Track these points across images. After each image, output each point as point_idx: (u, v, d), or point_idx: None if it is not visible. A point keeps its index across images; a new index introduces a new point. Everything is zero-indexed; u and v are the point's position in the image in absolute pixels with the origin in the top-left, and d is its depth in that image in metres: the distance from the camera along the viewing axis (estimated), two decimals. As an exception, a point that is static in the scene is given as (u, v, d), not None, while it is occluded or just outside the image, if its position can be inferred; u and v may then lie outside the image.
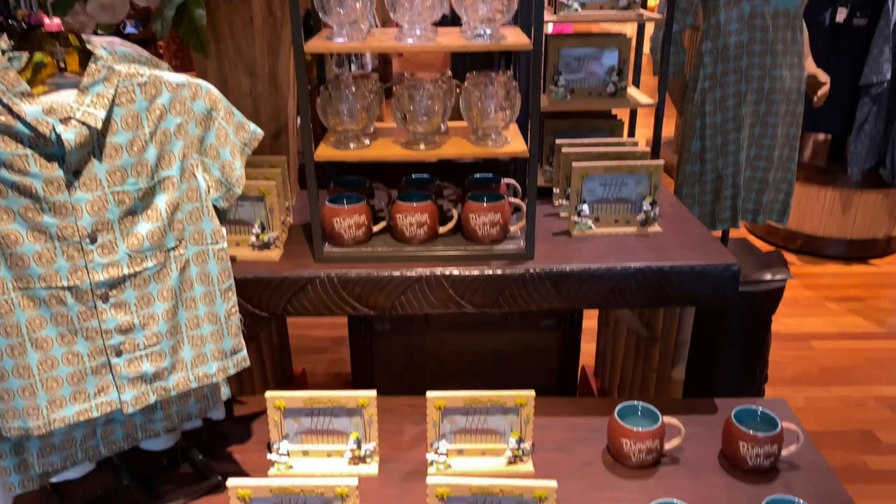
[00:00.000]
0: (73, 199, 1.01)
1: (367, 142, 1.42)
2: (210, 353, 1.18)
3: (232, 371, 1.21)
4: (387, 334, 1.99)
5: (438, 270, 1.39)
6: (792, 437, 1.34)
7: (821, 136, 3.58)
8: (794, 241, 3.64)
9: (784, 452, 1.33)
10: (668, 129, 4.46)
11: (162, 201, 1.09)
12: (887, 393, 2.57)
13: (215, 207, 1.16)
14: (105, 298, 1.06)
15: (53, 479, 1.19)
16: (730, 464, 1.35)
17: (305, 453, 1.34)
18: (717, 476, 1.33)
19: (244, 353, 1.22)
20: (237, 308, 1.20)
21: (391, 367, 2.03)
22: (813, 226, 3.57)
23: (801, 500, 1.14)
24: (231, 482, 1.10)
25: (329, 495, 1.10)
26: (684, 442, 1.36)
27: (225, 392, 1.27)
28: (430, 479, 1.10)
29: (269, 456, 1.31)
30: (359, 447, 1.31)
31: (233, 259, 1.36)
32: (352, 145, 1.40)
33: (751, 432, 1.30)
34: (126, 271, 1.07)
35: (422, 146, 1.40)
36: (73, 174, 1.01)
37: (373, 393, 1.30)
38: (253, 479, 1.11)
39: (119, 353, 1.09)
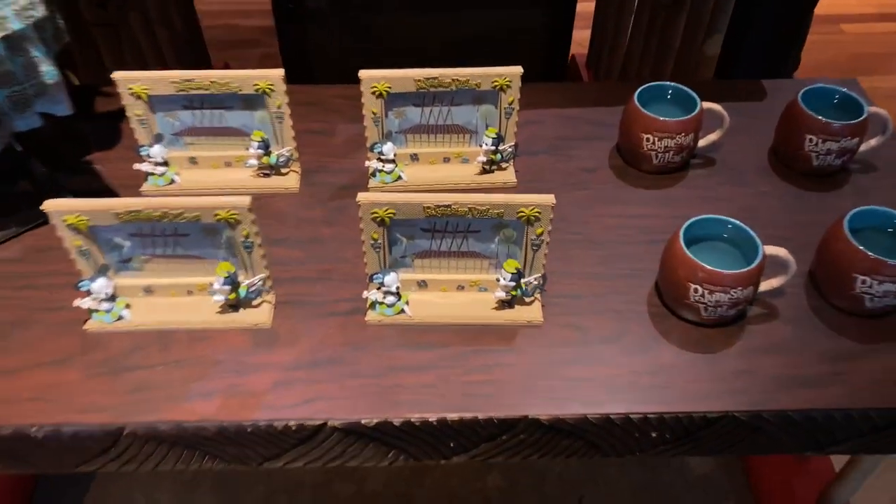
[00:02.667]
0: None
1: None
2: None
3: (37, 14, 0.75)
4: (323, 14, 1.51)
5: None
6: (876, 128, 0.96)
7: None
8: None
9: (861, 147, 0.96)
10: None
11: None
12: (923, 84, 2.19)
13: None
14: None
15: None
16: (785, 165, 0.99)
17: (193, 162, 0.94)
18: (766, 181, 0.97)
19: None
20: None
21: (329, 56, 1.58)
22: None
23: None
24: (50, 205, 0.71)
25: (208, 220, 0.72)
26: (724, 136, 0.98)
27: (49, 72, 0.83)
28: (361, 197, 0.72)
29: (138, 166, 0.91)
30: (266, 152, 0.91)
31: None
32: None
33: (823, 120, 0.91)
34: None
35: None
36: None
37: (279, 73, 0.86)
38: (87, 201, 0.71)
39: None
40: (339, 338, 0.78)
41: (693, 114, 0.92)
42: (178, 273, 0.79)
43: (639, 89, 0.95)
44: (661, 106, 0.95)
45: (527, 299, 0.79)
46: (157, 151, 0.90)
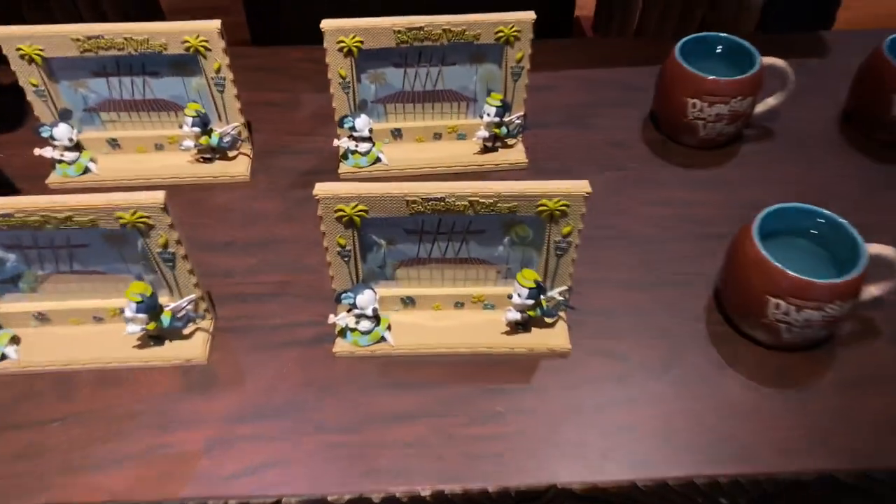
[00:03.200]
0: None
1: None
2: None
3: None
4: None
5: None
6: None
7: None
8: None
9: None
10: None
11: None
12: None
13: None
14: None
15: None
16: (863, 134, 0.79)
17: (114, 145, 0.74)
18: (838, 154, 0.77)
19: None
20: None
21: (302, 20, 1.36)
22: None
23: None
24: None
25: (109, 226, 0.52)
26: (785, 101, 0.78)
27: None
28: (319, 189, 0.52)
29: (40, 151, 0.71)
30: (205, 130, 0.71)
31: None
32: None
33: (916, 76, 0.71)
34: None
35: None
36: None
37: (214, 25, 0.66)
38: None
39: None
40: (297, 377, 0.58)
41: (753, 71, 0.71)
42: (80, 295, 0.59)
43: (681, 41, 0.75)
44: (708, 63, 0.75)
45: (548, 320, 0.59)
46: (62, 132, 0.70)
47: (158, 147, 0.74)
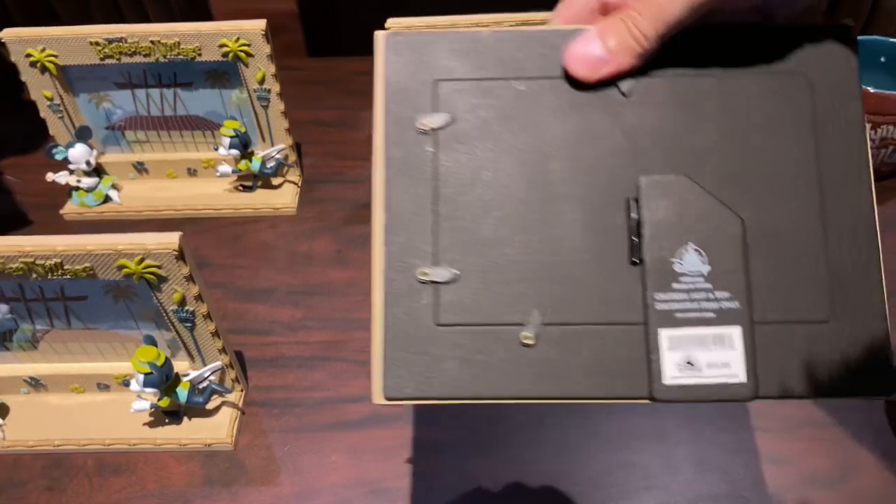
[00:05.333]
0: None
1: None
2: None
3: None
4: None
5: None
6: None
7: None
8: None
9: None
10: None
11: None
12: None
13: None
14: None
15: None
16: None
17: (141, 169, 0.63)
18: None
19: None
20: None
21: (362, 26, 1.25)
22: None
23: None
24: None
25: (108, 276, 0.40)
26: None
27: None
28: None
29: (53, 177, 0.60)
30: (245, 153, 0.59)
31: None
32: None
33: None
34: None
35: None
36: None
37: (258, 25, 0.54)
38: None
39: None
40: (347, 471, 0.45)
41: None
42: (80, 357, 0.47)
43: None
44: (870, 75, 0.60)
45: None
46: (79, 154, 0.59)
47: (191, 172, 0.62)
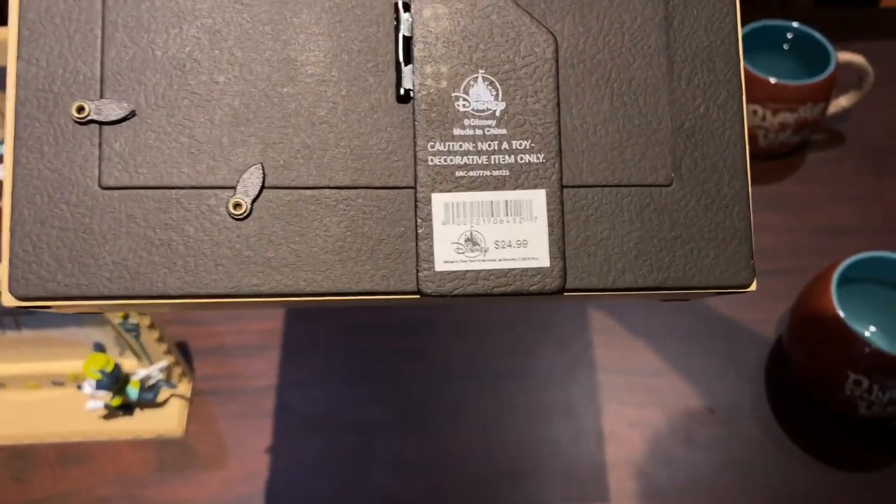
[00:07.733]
0: None
1: None
2: None
3: None
4: None
5: None
6: None
7: None
8: None
9: None
10: None
11: None
12: None
13: None
14: None
15: None
16: (950, 142, 0.68)
17: None
18: (921, 168, 0.66)
19: None
20: None
21: None
22: None
23: None
24: None
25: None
26: (860, 102, 0.66)
27: None
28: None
29: None
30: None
31: None
32: None
33: None
34: None
35: None
36: None
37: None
38: None
39: None
40: (290, 454, 0.50)
41: (826, 74, 0.60)
42: (34, 355, 0.51)
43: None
44: (770, 57, 0.64)
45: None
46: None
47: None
